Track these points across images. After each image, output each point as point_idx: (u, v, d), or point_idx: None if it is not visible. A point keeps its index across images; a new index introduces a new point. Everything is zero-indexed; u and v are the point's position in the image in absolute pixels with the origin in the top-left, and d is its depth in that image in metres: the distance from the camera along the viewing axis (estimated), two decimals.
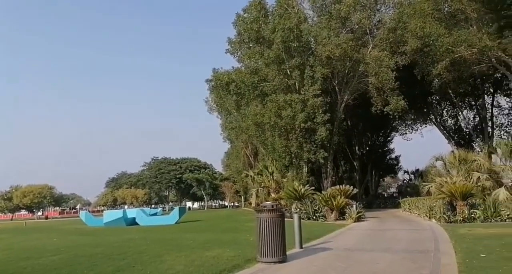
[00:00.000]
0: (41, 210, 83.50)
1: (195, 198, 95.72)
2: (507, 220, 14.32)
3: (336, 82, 29.69)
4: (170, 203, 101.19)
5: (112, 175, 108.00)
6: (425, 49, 27.20)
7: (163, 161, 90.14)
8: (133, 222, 23.22)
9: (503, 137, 34.96)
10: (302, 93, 26.00)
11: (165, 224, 22.29)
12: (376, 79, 26.54)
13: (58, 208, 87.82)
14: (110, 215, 24.66)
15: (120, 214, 23.91)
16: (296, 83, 26.92)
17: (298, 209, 21.85)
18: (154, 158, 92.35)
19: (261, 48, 27.33)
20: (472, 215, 15.11)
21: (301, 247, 9.44)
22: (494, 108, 37.05)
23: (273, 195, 31.45)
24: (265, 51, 26.43)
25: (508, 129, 36.82)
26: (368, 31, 29.50)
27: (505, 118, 37.37)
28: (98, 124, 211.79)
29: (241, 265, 7.47)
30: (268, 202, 8.16)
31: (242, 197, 67.28)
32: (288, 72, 26.94)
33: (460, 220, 15.01)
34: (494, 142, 30.64)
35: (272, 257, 7.53)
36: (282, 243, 7.70)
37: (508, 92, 36.71)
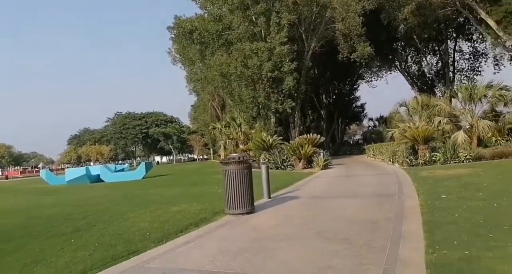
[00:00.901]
0: (0, 170, 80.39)
1: (163, 152, 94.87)
2: (464, 161, 14.96)
3: (303, 29, 28.78)
4: (138, 158, 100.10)
5: (74, 132, 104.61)
6: None
7: (127, 116, 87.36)
8: (97, 179, 22.58)
9: (463, 81, 36.05)
10: (269, 41, 25.08)
11: (132, 180, 21.84)
12: (343, 25, 25.95)
13: (19, 167, 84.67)
14: (73, 172, 23.76)
15: (83, 171, 23.10)
16: (262, 31, 25.83)
17: (267, 159, 21.95)
18: (118, 113, 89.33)
19: None
20: (433, 158, 15.68)
21: (270, 197, 9.40)
22: (456, 53, 37.79)
23: (241, 147, 31.48)
24: None
25: (468, 73, 37.93)
26: None
27: (465, 63, 38.38)
28: (55, 79, 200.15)
29: (208, 218, 7.29)
30: (234, 154, 7.88)
31: (211, 149, 67.37)
32: (254, 19, 25.69)
33: (421, 163, 15.55)
34: (455, 87, 31.49)
35: (240, 208, 7.38)
36: (249, 194, 7.54)
37: (470, 36, 37.33)
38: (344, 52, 28.04)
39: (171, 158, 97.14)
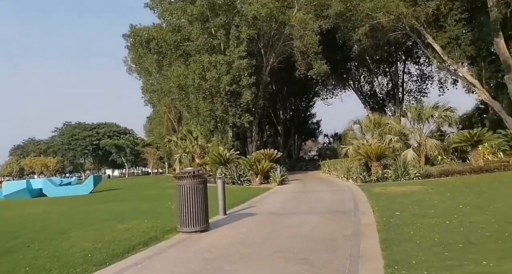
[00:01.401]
0: None
1: (115, 166, 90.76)
2: (414, 178, 15.50)
3: (261, 44, 29.10)
4: (87, 172, 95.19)
5: (18, 142, 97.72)
6: (347, 14, 27.72)
7: (76, 126, 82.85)
8: (40, 193, 20.93)
9: (411, 102, 38.03)
10: (228, 54, 25.02)
11: (78, 195, 20.48)
12: (300, 42, 26.58)
13: None
14: (11, 186, 21.85)
15: (23, 185, 21.31)
16: (221, 44, 25.76)
17: (223, 174, 21.57)
18: (67, 123, 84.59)
19: (184, 4, 25.41)
20: (385, 175, 16.12)
21: (225, 214, 9.05)
22: (405, 75, 40.00)
23: (197, 161, 30.80)
24: (188, 7, 24.62)
25: (416, 95, 40.15)
26: None
27: (413, 85, 40.60)
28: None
29: (159, 237, 6.82)
30: (189, 168, 7.50)
31: (166, 163, 65.59)
32: (213, 32, 25.59)
33: (374, 179, 15.93)
34: (404, 106, 33.08)
35: (193, 226, 6.98)
36: (204, 211, 7.17)
37: (417, 60, 39.67)
38: (301, 69, 28.62)
39: (124, 171, 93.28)
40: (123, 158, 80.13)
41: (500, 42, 21.70)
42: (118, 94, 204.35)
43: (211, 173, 25.54)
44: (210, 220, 8.13)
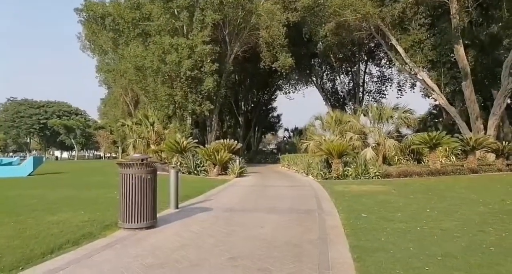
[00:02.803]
0: None
1: (64, 147, 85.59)
2: (373, 177, 15.36)
3: (227, 31, 27.98)
4: (34, 152, 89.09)
5: None
6: (315, 8, 27.35)
7: (23, 103, 76.93)
8: None
9: (370, 101, 38.69)
10: (190, 38, 23.67)
11: (14, 177, 18.48)
12: (267, 33, 25.84)
13: None
14: None
15: None
16: (184, 27, 24.34)
17: (179, 163, 20.46)
18: (12, 99, 78.37)
19: None
20: (346, 172, 15.85)
21: (177, 207, 8.13)
22: (366, 75, 40.61)
23: (153, 147, 29.29)
24: None
25: (375, 95, 40.96)
26: None
27: (373, 86, 41.38)
28: None
29: (94, 233, 5.78)
30: (136, 155, 6.51)
31: (120, 148, 62.61)
32: (176, 13, 24.05)
33: (335, 176, 15.61)
34: (363, 106, 33.43)
35: (137, 222, 6.03)
36: (152, 205, 6.22)
37: (378, 62, 40.42)
38: (266, 60, 27.96)
39: (73, 154, 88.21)
40: (72, 140, 75.64)
41: (460, 50, 22.22)
42: (71, 72, 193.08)
43: (166, 161, 24.30)
44: (159, 215, 7.22)
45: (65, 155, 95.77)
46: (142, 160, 6.34)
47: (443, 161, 20.39)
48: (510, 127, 25.58)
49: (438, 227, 6.05)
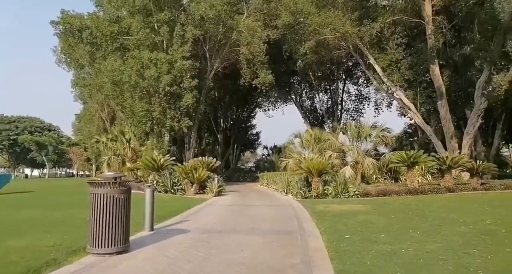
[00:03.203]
0: None
1: (35, 165, 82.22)
2: (353, 196, 15.26)
3: (207, 47, 27.97)
4: (2, 169, 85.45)
5: None
6: (296, 26, 27.78)
7: None
8: None
9: (349, 120, 39.20)
10: (170, 53, 23.47)
11: None
12: (247, 49, 25.92)
13: None
14: None
15: None
16: (164, 41, 24.15)
17: (155, 181, 19.82)
18: None
19: None
20: (325, 191, 15.70)
21: (152, 229, 7.69)
22: (344, 93, 41.28)
23: (128, 165, 28.50)
24: None
25: (353, 114, 41.59)
26: None
27: (351, 104, 42.06)
28: None
29: (60, 260, 5.32)
30: (109, 173, 6.12)
31: (94, 165, 60.74)
32: (156, 27, 23.89)
33: (314, 195, 15.42)
34: (341, 124, 33.79)
35: (108, 246, 5.60)
36: (124, 228, 5.82)
37: (356, 80, 41.26)
38: (246, 77, 27.98)
39: (45, 171, 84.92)
40: (44, 157, 72.91)
41: (435, 69, 22.85)
42: (45, 86, 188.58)
43: (142, 179, 23.57)
44: (132, 237, 6.80)
45: (36, 172, 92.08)
46: (115, 178, 5.97)
47: (419, 180, 20.59)
48: (483, 146, 26.29)
49: (423, 249, 5.88)
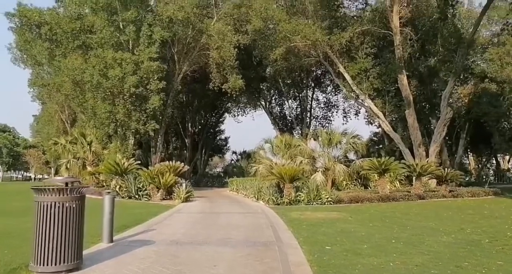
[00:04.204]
0: None
1: None
2: (326, 203, 14.89)
3: (175, 50, 27.05)
4: None
5: None
6: (266, 32, 27.54)
7: None
8: None
9: (318, 127, 39.32)
10: (136, 53, 22.37)
11: None
12: (217, 53, 25.24)
13: None
14: None
15: None
16: (130, 41, 22.98)
17: (118, 186, 18.59)
18: None
19: None
20: (298, 198, 15.23)
21: (111, 241, 6.82)
22: (313, 101, 41.45)
23: (89, 168, 26.96)
24: None
25: (322, 121, 41.84)
26: (213, 2, 28.11)
27: (320, 111, 42.31)
28: None
29: None
30: (59, 177, 5.27)
31: (53, 169, 57.49)
32: (121, 26, 22.73)
33: (287, 202, 14.90)
34: (311, 131, 33.74)
35: (56, 264, 4.74)
36: (76, 242, 4.98)
37: (325, 89, 41.61)
38: (215, 81, 27.30)
39: None
40: None
41: (403, 79, 23.20)
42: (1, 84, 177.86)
43: (105, 184, 22.22)
44: (88, 251, 5.97)
45: None
46: (66, 183, 5.13)
47: (388, 187, 20.66)
48: (449, 155, 26.97)
49: (411, 262, 5.44)
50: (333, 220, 9.98)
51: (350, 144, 21.76)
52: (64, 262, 4.79)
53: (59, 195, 4.90)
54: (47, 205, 4.76)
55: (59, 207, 4.86)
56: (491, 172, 45.67)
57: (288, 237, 7.57)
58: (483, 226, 8.78)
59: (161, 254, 5.93)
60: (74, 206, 5.01)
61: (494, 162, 42.79)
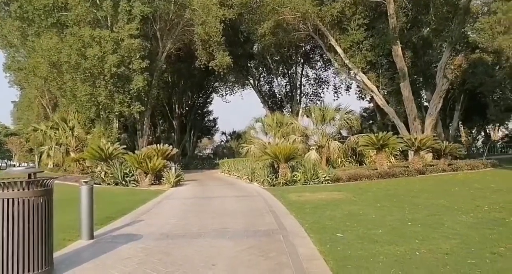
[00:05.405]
0: None
1: None
2: (324, 182, 14.24)
3: (158, 27, 25.56)
4: None
5: None
6: (253, 5, 26.20)
7: None
8: None
9: (308, 103, 38.51)
10: (116, 31, 20.95)
11: None
12: (202, 29, 23.86)
13: None
14: None
15: None
16: (108, 18, 21.50)
17: (103, 172, 17.57)
18: None
19: None
20: (294, 178, 14.52)
21: (92, 237, 5.96)
22: (303, 78, 40.46)
23: (72, 155, 25.89)
24: None
25: (312, 98, 41.02)
26: None
27: (310, 88, 41.44)
28: None
29: None
30: (18, 168, 4.35)
31: (36, 156, 55.86)
32: (98, 2, 21.16)
33: (283, 182, 14.20)
34: (303, 107, 32.90)
35: (20, 271, 3.88)
36: (44, 243, 4.11)
37: (314, 64, 40.60)
38: (202, 59, 26.05)
39: None
40: None
41: (398, 50, 22.33)
42: None
43: (90, 171, 21.25)
44: (62, 252, 5.15)
45: None
46: (30, 175, 4.21)
47: (389, 163, 20.11)
48: (443, 128, 26.51)
49: (439, 250, 4.73)
50: (337, 201, 9.28)
51: (345, 120, 21.09)
52: (29, 271, 3.93)
53: (22, 189, 4.00)
54: (6, 202, 3.85)
55: (21, 203, 3.96)
56: (480, 143, 45.80)
57: (292, 223, 6.81)
58: (498, 201, 8.16)
59: (150, 252, 5.10)
60: (40, 201, 4.12)
61: (482, 133, 42.78)
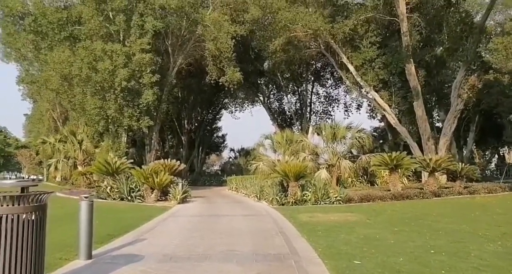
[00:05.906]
0: None
1: None
2: (335, 202, 13.70)
3: (169, 42, 25.73)
4: None
5: None
6: (265, 22, 26.28)
7: None
8: None
9: (318, 121, 38.11)
10: (127, 45, 21.04)
11: None
12: (213, 45, 23.93)
13: None
14: None
15: None
16: (121, 32, 21.65)
17: (109, 187, 17.23)
18: None
19: None
20: (304, 197, 14.01)
21: (90, 257, 5.56)
22: (313, 95, 40.25)
23: (80, 168, 25.75)
24: None
25: (322, 116, 40.66)
26: None
27: (320, 106, 41.12)
28: None
29: None
30: (9, 181, 4.03)
31: (45, 169, 56.09)
32: (111, 16, 21.35)
33: (292, 202, 13.69)
34: (313, 125, 32.52)
35: None
36: (35, 265, 3.73)
37: (324, 82, 40.42)
38: (212, 74, 26.05)
39: None
40: None
41: (411, 68, 21.99)
42: None
43: (97, 185, 20.95)
44: (60, 271, 4.79)
45: None
46: (23, 189, 3.88)
47: (402, 184, 19.46)
48: (457, 149, 25.85)
49: None
50: (350, 223, 8.76)
51: (356, 139, 20.59)
52: None
53: (13, 205, 3.66)
54: None
55: (12, 220, 3.61)
56: (493, 166, 44.67)
57: (304, 247, 6.34)
58: None
59: None
60: (32, 218, 3.76)
61: (496, 156, 41.79)
